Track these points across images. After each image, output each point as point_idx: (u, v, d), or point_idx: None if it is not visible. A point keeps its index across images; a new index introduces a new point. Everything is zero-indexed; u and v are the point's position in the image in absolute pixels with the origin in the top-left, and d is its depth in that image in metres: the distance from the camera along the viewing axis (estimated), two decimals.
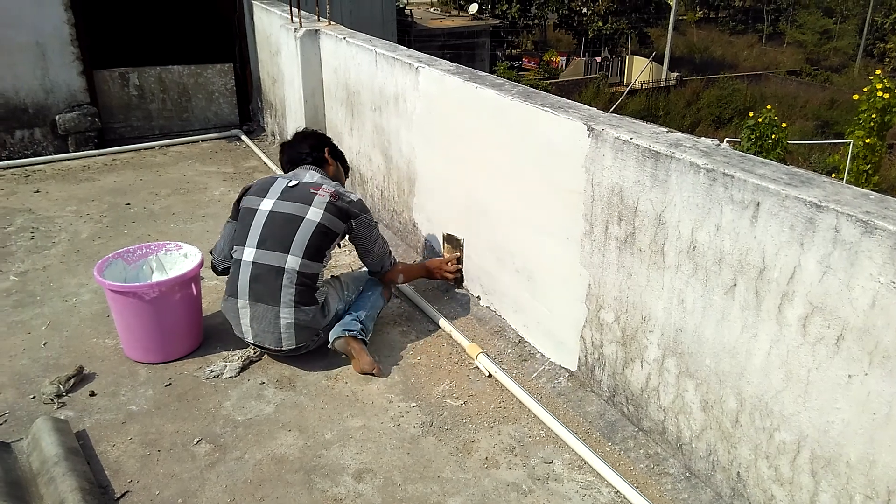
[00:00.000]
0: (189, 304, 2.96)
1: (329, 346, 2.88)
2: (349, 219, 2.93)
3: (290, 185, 2.94)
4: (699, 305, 2.12)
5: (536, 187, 2.76)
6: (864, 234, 1.64)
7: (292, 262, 2.79)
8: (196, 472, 2.36)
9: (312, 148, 3.19)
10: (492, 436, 2.55)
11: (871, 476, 1.73)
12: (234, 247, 2.90)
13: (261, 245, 2.83)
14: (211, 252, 3.10)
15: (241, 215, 2.95)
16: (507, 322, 3.16)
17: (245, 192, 3.00)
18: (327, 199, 2.89)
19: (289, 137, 3.41)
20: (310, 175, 3.02)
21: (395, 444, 2.50)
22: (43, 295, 3.47)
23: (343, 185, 3.24)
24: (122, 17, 6.83)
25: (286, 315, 2.80)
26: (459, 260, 3.42)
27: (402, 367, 2.94)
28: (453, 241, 3.44)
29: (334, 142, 3.38)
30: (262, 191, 2.95)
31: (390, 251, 3.17)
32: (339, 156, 3.34)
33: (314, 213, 2.85)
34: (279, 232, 2.82)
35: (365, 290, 3.12)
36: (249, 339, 2.88)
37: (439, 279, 3.47)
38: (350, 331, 2.87)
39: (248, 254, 2.83)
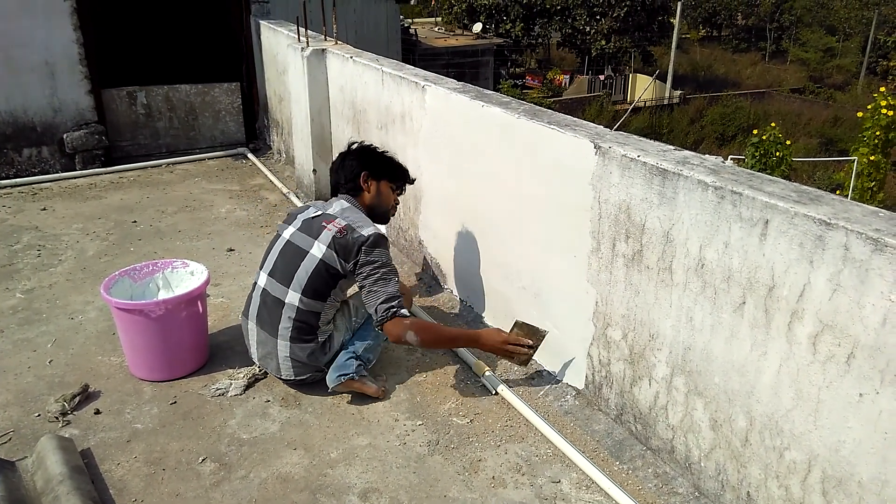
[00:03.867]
0: (195, 321, 2.96)
1: (329, 391, 2.80)
2: (351, 256, 2.71)
3: (312, 215, 2.87)
4: (708, 323, 2.11)
5: (543, 204, 2.76)
6: (875, 252, 1.63)
7: (292, 297, 2.75)
8: (201, 491, 2.35)
9: (347, 178, 2.98)
10: (498, 454, 2.53)
11: (883, 496, 1.71)
12: (259, 268, 2.93)
13: (272, 274, 2.83)
14: None
15: (271, 240, 2.99)
16: None
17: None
18: (333, 234, 2.73)
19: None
20: (335, 206, 2.88)
21: (401, 463, 2.48)
22: (49, 312, 3.47)
23: (388, 206, 3.06)
24: (130, 37, 6.89)
25: (283, 348, 2.78)
26: (532, 347, 2.82)
27: (408, 384, 2.93)
28: (531, 332, 2.83)
29: (381, 150, 3.13)
30: (293, 217, 2.94)
31: (393, 297, 2.67)
32: (382, 173, 3.03)
33: (317, 249, 2.74)
34: (287, 263, 2.80)
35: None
36: (256, 361, 2.92)
37: (495, 354, 2.92)
38: (346, 374, 2.76)
39: (262, 279, 2.86)
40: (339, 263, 2.73)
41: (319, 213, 2.87)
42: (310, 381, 2.87)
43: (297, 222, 2.88)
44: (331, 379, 2.77)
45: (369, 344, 2.89)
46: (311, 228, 2.81)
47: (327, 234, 2.75)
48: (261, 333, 2.83)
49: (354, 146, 3.09)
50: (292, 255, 2.80)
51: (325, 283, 2.76)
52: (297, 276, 2.75)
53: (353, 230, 2.74)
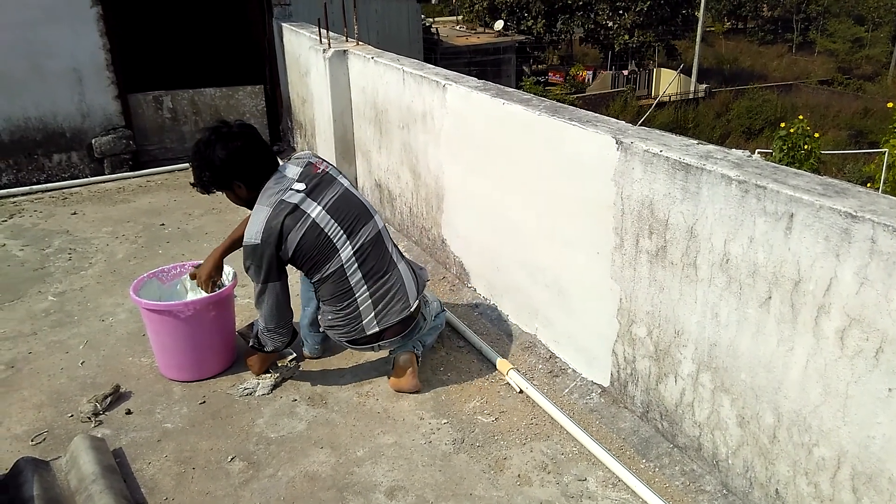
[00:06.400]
0: (223, 322, 3.00)
1: (392, 353, 2.91)
2: None
3: (305, 185, 2.71)
4: (733, 319, 2.09)
5: (565, 201, 2.76)
6: None
7: (378, 220, 2.84)
8: (230, 489, 2.38)
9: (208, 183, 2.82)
10: (524, 453, 2.53)
11: None
12: (316, 270, 2.71)
13: (351, 235, 2.70)
14: (273, 327, 2.80)
15: (306, 244, 2.65)
16: (538, 337, 3.14)
17: (280, 241, 2.64)
18: (331, 165, 2.88)
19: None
20: (293, 165, 2.78)
21: (427, 462, 2.49)
22: (80, 315, 3.54)
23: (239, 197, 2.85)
24: (155, 42, 6.99)
25: (404, 269, 2.83)
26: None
27: (433, 383, 2.94)
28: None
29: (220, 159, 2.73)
30: (294, 204, 2.65)
31: None
32: (222, 181, 2.79)
33: (344, 179, 2.85)
34: (350, 211, 2.74)
35: (437, 322, 3.11)
36: (374, 328, 2.75)
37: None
38: (416, 349, 2.91)
39: (346, 253, 2.69)
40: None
41: (303, 181, 2.72)
42: (418, 316, 2.91)
43: (308, 197, 2.68)
44: (404, 346, 2.90)
45: (430, 340, 3.09)
46: (322, 181, 2.75)
47: (333, 168, 2.86)
48: (377, 287, 2.74)
49: (239, 123, 2.85)
50: (344, 203, 2.75)
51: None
52: (367, 205, 2.84)
53: (321, 157, 2.95)
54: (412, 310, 2.81)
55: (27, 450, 2.56)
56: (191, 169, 2.80)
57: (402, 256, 2.91)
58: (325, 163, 2.86)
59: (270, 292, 2.73)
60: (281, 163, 2.82)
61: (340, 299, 2.74)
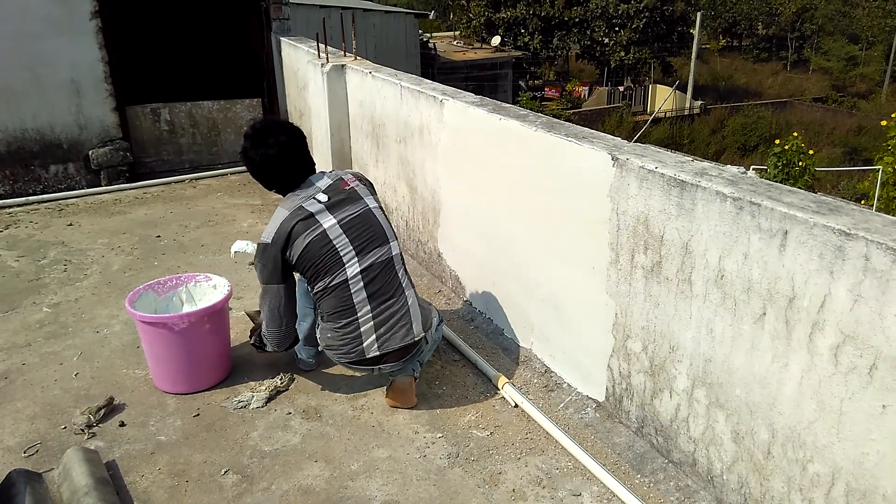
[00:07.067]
0: (218, 334, 3.00)
1: (391, 376, 2.87)
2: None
3: (331, 197, 2.75)
4: (728, 335, 2.10)
5: (561, 217, 2.77)
6: None
7: (394, 247, 2.83)
8: (224, 503, 2.37)
9: (308, 156, 2.89)
10: (519, 467, 2.52)
11: None
12: (319, 279, 2.71)
13: (360, 253, 2.71)
14: (274, 328, 2.85)
15: (310, 252, 2.68)
16: (533, 352, 3.15)
17: (286, 245, 2.69)
18: (362, 183, 2.88)
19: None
20: (327, 177, 2.83)
21: (422, 476, 2.49)
22: (75, 326, 3.53)
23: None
24: (153, 55, 7.02)
25: (410, 296, 2.82)
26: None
27: (428, 397, 2.94)
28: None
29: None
30: (313, 214, 2.70)
31: None
32: (257, 176, 2.90)
33: (370, 201, 2.85)
34: (365, 232, 2.75)
35: (436, 336, 3.09)
36: (375, 352, 2.74)
37: None
38: (415, 372, 2.90)
39: (352, 269, 2.70)
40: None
41: (328, 194, 2.76)
42: (422, 345, 2.88)
43: (327, 209, 2.72)
44: (405, 370, 2.86)
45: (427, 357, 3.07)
46: (347, 197, 2.79)
47: (362, 188, 2.87)
48: (381, 311, 2.73)
49: (285, 128, 2.88)
50: (362, 222, 2.76)
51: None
52: (385, 229, 2.83)
53: (358, 174, 2.96)
54: (416, 338, 2.80)
55: (20, 461, 2.55)
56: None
57: (413, 287, 2.89)
58: (357, 181, 2.88)
59: (272, 294, 2.79)
60: (318, 171, 2.89)
61: (342, 316, 2.73)
